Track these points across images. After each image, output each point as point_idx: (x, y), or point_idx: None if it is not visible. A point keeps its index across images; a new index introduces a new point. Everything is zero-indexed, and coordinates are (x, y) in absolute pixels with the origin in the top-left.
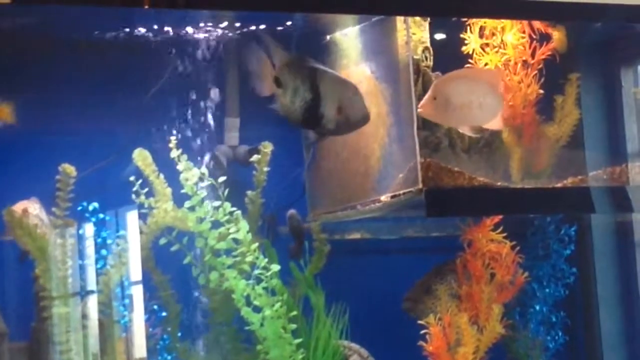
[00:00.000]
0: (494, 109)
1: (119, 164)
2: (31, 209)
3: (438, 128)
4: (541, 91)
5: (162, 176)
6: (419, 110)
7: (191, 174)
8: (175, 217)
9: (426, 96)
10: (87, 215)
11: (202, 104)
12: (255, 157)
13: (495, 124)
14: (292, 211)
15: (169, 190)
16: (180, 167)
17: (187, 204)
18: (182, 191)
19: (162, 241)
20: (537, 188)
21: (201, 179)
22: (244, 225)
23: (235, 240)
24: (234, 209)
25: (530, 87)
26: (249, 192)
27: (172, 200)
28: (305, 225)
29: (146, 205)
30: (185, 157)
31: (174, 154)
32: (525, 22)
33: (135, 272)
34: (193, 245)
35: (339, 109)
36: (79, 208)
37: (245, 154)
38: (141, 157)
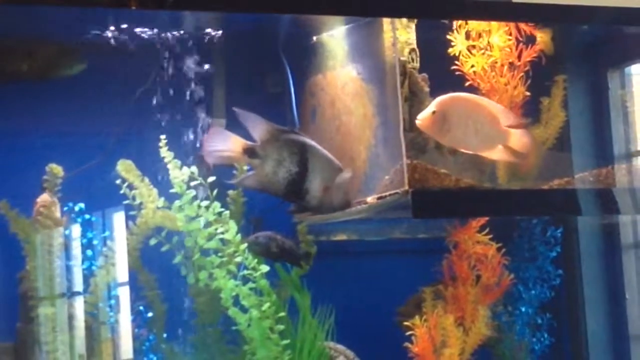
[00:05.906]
0: (491, 140)
1: (107, 165)
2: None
3: None
4: (527, 93)
5: (147, 179)
6: (417, 122)
7: (180, 172)
8: (164, 216)
9: (426, 109)
10: (74, 215)
11: (188, 104)
12: None
13: (495, 154)
14: (266, 236)
15: (155, 192)
16: (169, 166)
17: (177, 203)
18: (172, 190)
19: (153, 241)
20: (523, 190)
21: (190, 179)
22: (232, 225)
23: (223, 240)
24: (223, 209)
25: (517, 89)
26: (230, 192)
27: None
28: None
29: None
30: (172, 154)
31: (164, 153)
32: (511, 24)
33: (123, 272)
34: (182, 245)
35: (325, 189)
36: (66, 208)
37: None
38: (124, 167)
